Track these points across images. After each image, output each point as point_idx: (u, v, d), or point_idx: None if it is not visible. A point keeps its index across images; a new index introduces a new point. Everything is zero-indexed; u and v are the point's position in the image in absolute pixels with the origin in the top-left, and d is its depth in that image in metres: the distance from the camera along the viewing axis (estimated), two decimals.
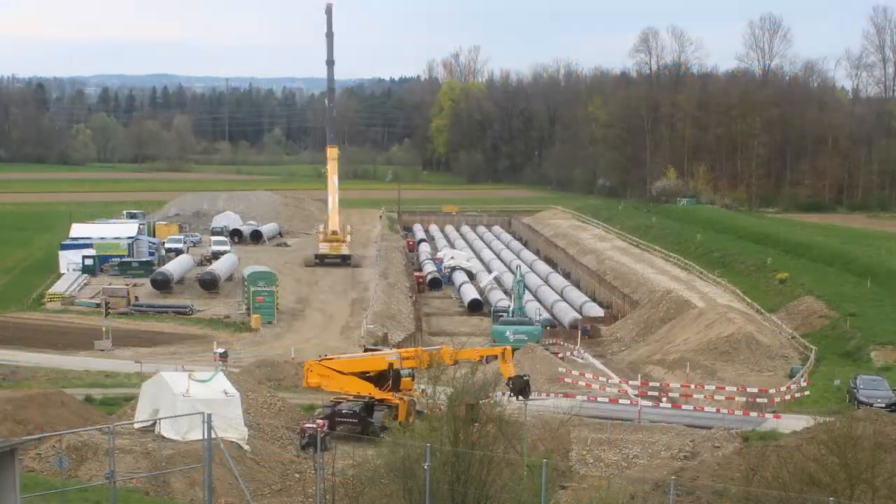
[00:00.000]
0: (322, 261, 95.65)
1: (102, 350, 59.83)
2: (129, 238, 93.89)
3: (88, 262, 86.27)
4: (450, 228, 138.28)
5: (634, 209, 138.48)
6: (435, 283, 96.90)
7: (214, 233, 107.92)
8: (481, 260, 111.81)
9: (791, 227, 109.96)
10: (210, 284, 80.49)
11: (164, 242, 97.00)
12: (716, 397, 48.26)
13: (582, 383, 52.70)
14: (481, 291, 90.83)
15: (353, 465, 22.30)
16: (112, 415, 40.92)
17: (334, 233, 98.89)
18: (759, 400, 48.26)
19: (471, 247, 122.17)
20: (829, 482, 20.27)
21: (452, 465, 21.59)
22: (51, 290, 77.33)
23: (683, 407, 46.84)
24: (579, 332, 71.62)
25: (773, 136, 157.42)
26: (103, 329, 60.62)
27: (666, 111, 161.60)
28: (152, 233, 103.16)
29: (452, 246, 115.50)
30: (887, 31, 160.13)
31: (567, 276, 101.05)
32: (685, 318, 69.44)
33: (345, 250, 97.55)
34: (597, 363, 63.05)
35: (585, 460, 37.10)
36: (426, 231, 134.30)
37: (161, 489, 28.57)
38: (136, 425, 34.04)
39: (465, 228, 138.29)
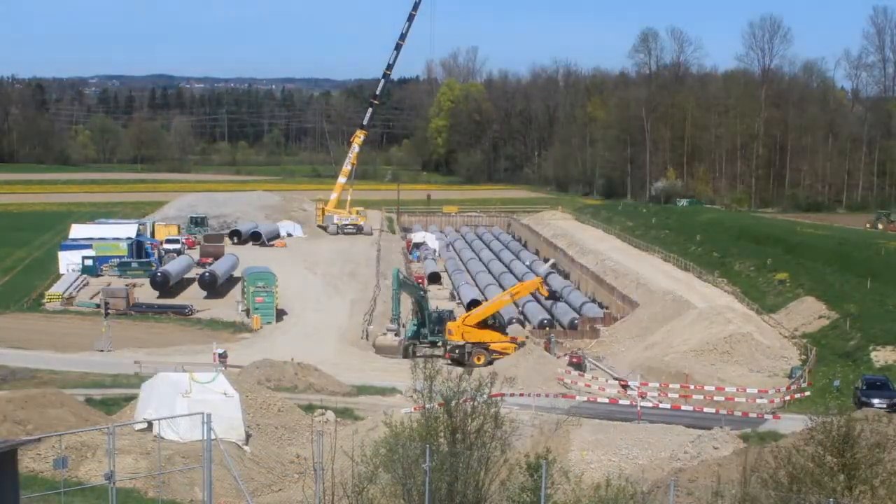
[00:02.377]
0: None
1: (101, 350, 59.83)
2: (129, 239, 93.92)
3: (88, 262, 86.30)
4: (449, 229, 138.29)
5: (634, 210, 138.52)
6: (434, 278, 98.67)
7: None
8: (481, 260, 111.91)
9: (791, 228, 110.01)
10: (209, 285, 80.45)
11: (162, 243, 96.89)
12: (715, 398, 48.28)
13: (581, 384, 52.74)
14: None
15: (353, 465, 22.29)
16: (112, 415, 41.00)
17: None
18: (758, 400, 48.29)
19: (470, 247, 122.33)
20: (827, 482, 20.28)
21: (451, 466, 21.61)
22: (50, 291, 77.36)
23: (683, 407, 46.90)
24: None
25: (773, 136, 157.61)
26: (102, 329, 60.62)
27: (665, 111, 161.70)
28: (151, 233, 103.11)
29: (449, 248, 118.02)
30: (887, 31, 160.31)
31: (566, 276, 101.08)
32: (684, 319, 69.45)
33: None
34: (598, 364, 63.22)
35: (585, 461, 37.10)
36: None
37: (160, 489, 28.59)
38: (136, 426, 34.07)
39: (465, 229, 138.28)
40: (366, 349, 65.05)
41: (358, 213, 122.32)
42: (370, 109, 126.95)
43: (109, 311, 63.46)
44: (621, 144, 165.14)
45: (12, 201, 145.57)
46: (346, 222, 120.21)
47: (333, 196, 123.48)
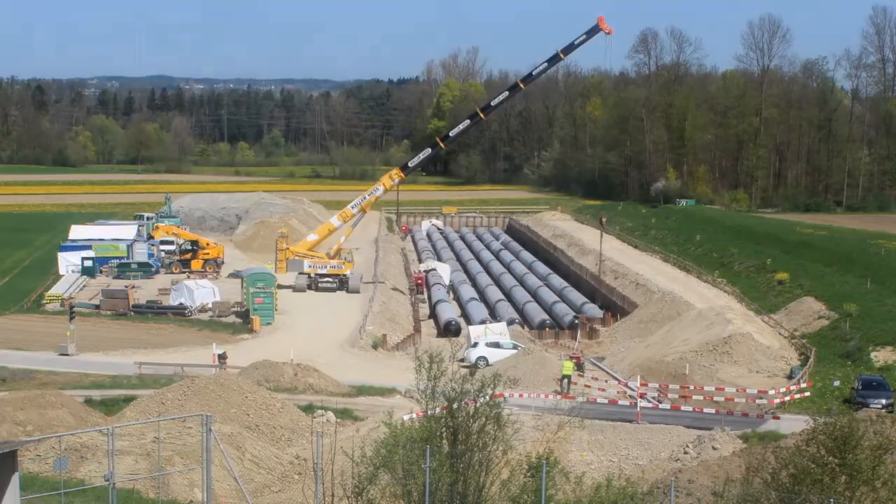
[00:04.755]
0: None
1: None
2: (128, 240, 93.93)
3: (87, 263, 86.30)
4: (448, 230, 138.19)
5: (634, 210, 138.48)
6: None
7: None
8: (480, 261, 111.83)
9: (790, 228, 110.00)
10: None
11: (159, 243, 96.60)
12: (715, 398, 48.22)
13: (581, 384, 52.67)
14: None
15: (353, 466, 22.28)
16: (111, 416, 40.99)
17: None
18: (758, 401, 48.24)
19: (469, 248, 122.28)
20: (828, 483, 20.25)
21: (452, 466, 21.58)
22: (50, 292, 77.32)
23: (682, 408, 46.84)
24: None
25: (773, 136, 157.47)
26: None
27: (665, 112, 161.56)
28: (149, 235, 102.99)
29: (453, 248, 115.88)
30: (887, 31, 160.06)
31: (566, 277, 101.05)
32: (684, 319, 69.41)
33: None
34: (598, 364, 63.19)
35: (585, 461, 37.08)
36: (428, 236, 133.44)
37: (160, 490, 28.57)
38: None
39: (465, 230, 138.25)
40: (365, 350, 65.02)
41: (341, 256, 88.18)
42: (429, 150, 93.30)
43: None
44: (621, 145, 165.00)
45: (12, 202, 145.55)
46: (324, 271, 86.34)
47: (313, 237, 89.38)
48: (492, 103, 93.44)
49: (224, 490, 28.95)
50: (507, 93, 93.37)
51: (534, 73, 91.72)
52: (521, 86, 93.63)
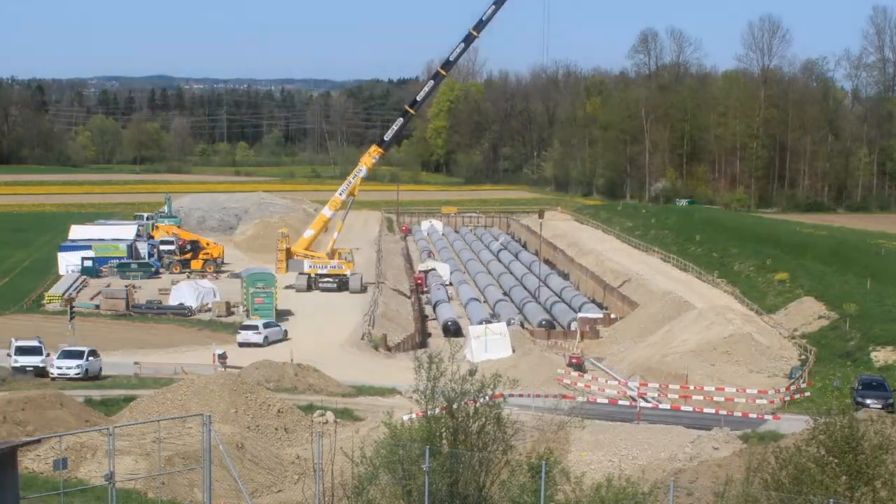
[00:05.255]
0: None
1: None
2: (128, 240, 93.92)
3: (87, 263, 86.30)
4: (448, 230, 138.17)
5: (633, 210, 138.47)
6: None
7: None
8: (480, 261, 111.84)
9: (791, 228, 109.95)
10: None
11: (159, 243, 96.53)
12: (715, 398, 48.21)
13: (581, 384, 52.69)
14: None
15: (352, 466, 22.29)
16: (111, 416, 40.97)
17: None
18: (758, 401, 48.22)
19: (470, 248, 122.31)
20: (829, 483, 20.23)
21: (451, 467, 21.57)
22: (50, 292, 77.29)
23: (683, 408, 46.82)
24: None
25: (773, 136, 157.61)
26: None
27: (665, 112, 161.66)
28: (149, 235, 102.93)
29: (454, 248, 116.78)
30: (887, 31, 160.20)
31: (566, 277, 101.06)
32: (684, 319, 69.36)
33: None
34: (598, 364, 63.21)
35: (584, 461, 37.04)
36: (428, 236, 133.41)
37: (160, 490, 28.56)
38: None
39: (465, 230, 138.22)
40: (365, 350, 65.02)
41: (341, 256, 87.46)
42: (401, 120, 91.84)
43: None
44: (621, 144, 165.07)
45: (12, 202, 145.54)
46: (324, 271, 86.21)
47: (309, 233, 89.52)
48: (417, 98, 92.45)
49: (224, 490, 28.93)
50: (432, 82, 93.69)
51: (451, 59, 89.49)
52: (443, 73, 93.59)
